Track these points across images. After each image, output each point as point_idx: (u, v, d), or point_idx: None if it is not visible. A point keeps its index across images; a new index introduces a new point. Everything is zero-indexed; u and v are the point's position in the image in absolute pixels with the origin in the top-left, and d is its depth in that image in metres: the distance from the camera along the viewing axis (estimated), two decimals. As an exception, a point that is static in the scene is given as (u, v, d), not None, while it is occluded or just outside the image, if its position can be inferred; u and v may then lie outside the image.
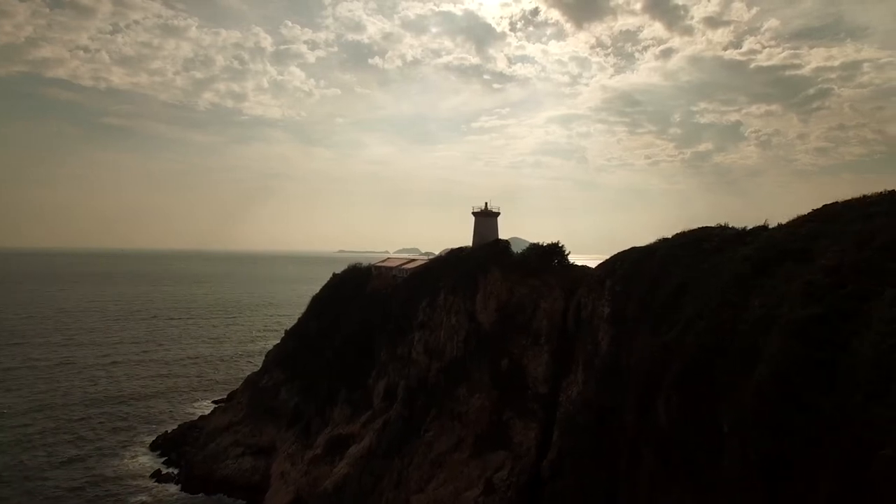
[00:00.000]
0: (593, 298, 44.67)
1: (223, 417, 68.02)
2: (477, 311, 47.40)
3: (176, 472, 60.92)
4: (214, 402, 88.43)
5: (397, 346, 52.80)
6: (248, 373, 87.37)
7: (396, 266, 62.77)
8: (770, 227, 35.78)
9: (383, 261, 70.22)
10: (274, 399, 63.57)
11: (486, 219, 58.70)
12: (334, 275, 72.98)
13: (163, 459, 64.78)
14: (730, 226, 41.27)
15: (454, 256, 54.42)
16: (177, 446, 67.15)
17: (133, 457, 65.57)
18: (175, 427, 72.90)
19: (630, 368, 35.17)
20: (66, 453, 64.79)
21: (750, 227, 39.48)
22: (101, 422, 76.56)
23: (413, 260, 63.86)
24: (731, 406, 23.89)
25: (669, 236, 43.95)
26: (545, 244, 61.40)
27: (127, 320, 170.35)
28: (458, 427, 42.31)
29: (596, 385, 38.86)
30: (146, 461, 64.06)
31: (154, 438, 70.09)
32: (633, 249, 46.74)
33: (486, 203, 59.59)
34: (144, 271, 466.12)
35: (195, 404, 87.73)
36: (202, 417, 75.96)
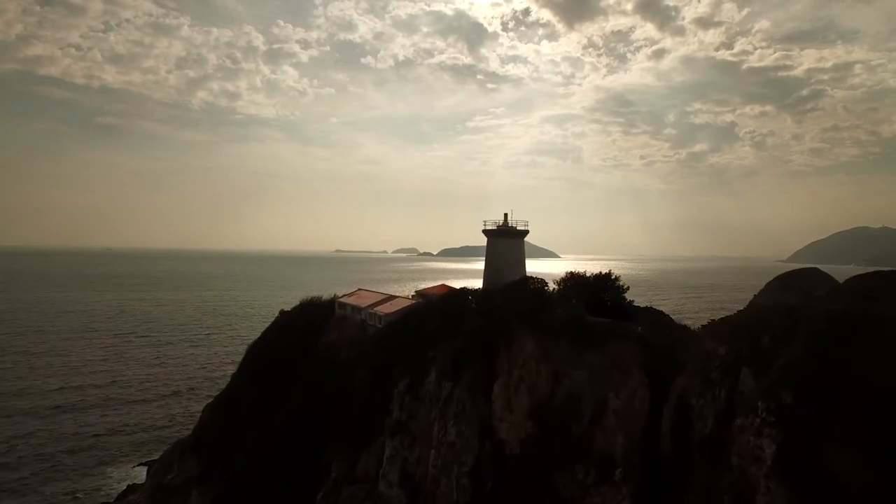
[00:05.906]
0: (714, 400, 24.07)
1: (117, 523, 46.78)
2: (495, 416, 26.17)
3: None
4: (142, 463, 67.86)
5: (359, 455, 31.55)
6: (192, 426, 65.69)
7: (367, 306, 41.48)
8: None
9: (352, 294, 49.05)
10: (183, 505, 42.30)
11: (506, 241, 36.35)
12: (282, 312, 51.63)
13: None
14: None
15: (454, 303, 32.89)
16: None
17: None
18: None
19: None
20: None
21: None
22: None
23: (392, 297, 42.11)
24: None
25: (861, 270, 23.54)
26: (591, 275, 40.12)
27: (79, 339, 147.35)
28: None
29: None
30: None
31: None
32: (790, 309, 25.86)
33: (507, 215, 37.25)
34: (134, 272, 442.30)
35: (112, 471, 66.47)
36: (104, 506, 54.89)
